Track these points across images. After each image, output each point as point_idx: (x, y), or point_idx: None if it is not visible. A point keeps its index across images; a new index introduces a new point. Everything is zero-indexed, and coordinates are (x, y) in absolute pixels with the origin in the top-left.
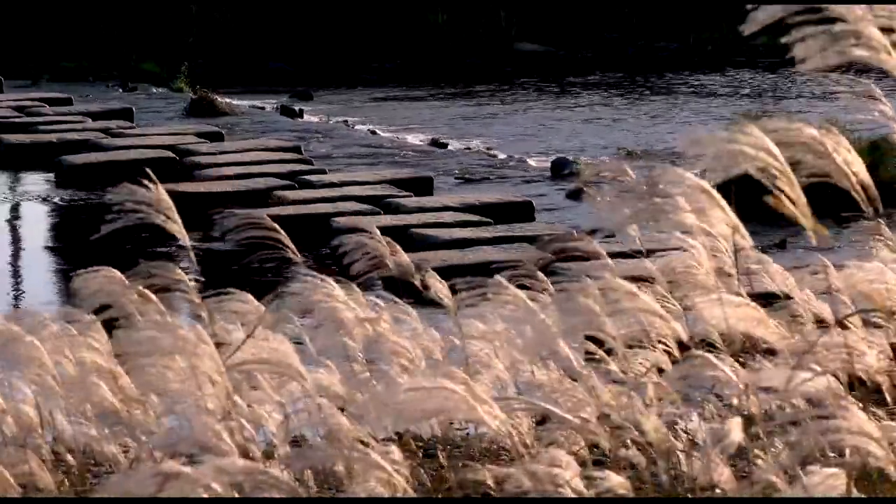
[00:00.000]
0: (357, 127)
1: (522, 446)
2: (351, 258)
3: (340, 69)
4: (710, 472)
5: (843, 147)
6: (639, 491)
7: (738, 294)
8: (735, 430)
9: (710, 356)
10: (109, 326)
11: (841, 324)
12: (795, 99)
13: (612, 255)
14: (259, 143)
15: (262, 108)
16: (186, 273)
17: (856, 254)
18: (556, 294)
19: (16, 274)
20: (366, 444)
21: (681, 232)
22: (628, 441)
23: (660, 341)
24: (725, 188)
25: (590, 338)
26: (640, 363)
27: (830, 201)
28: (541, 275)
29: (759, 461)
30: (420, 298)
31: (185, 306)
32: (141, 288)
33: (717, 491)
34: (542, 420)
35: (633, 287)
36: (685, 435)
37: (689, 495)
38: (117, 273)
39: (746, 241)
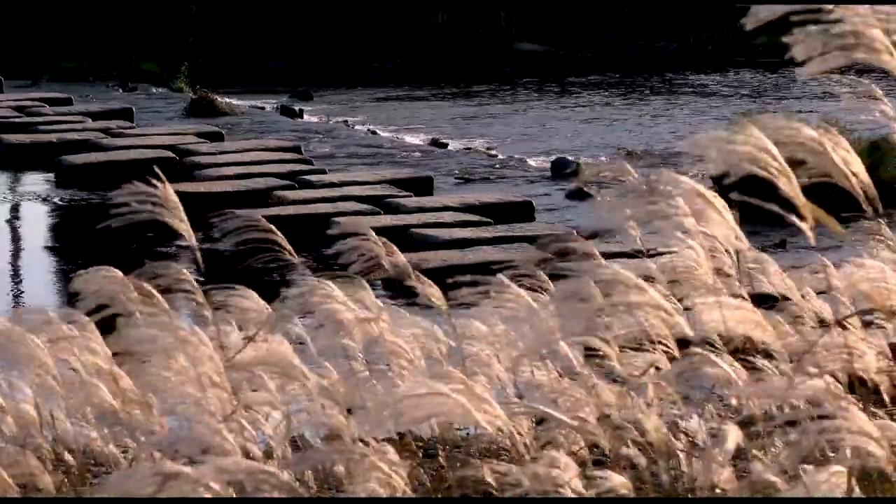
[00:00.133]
0: (357, 127)
1: (522, 447)
2: (348, 259)
3: (340, 69)
4: (710, 472)
5: (842, 147)
6: (639, 491)
7: (738, 296)
8: (732, 434)
9: (710, 355)
10: (110, 326)
11: (840, 324)
12: (796, 99)
13: (613, 256)
14: (259, 143)
15: (262, 108)
16: (189, 273)
17: (856, 254)
18: (555, 293)
19: (16, 274)
20: (366, 444)
21: (680, 233)
22: (629, 441)
23: (660, 341)
24: (727, 187)
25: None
26: (640, 362)
27: (830, 202)
28: (541, 274)
29: (759, 461)
30: (420, 299)
31: (187, 306)
32: (144, 286)
33: (718, 491)
34: (542, 420)
35: (640, 280)
36: (685, 435)
37: (690, 495)
38: (118, 272)
39: (744, 243)
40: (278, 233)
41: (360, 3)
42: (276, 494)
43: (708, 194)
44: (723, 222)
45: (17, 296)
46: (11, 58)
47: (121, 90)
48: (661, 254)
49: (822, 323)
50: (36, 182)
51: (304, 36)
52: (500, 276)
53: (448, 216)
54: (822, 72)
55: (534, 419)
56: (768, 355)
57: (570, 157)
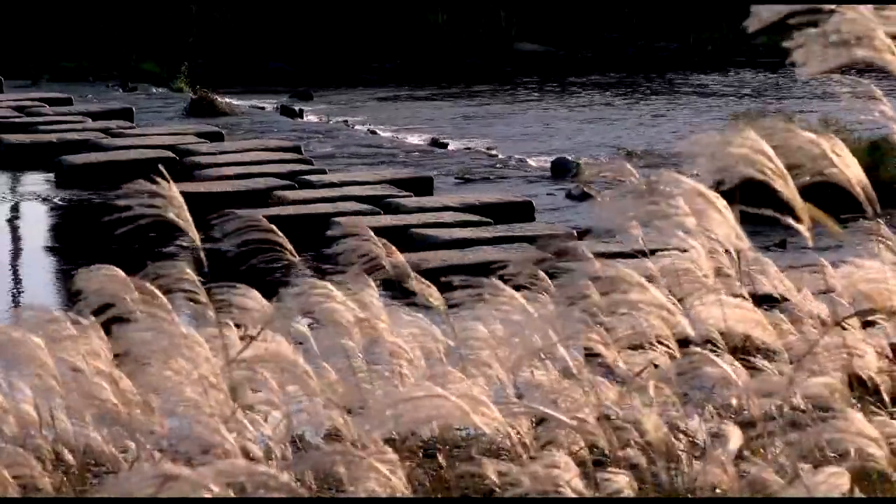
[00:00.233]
0: (357, 127)
1: (521, 447)
2: (348, 259)
3: (340, 69)
4: (710, 472)
5: (841, 148)
6: (639, 491)
7: (738, 295)
8: (735, 436)
9: (710, 355)
10: (110, 326)
11: (840, 324)
12: (796, 99)
13: (613, 256)
14: (259, 143)
15: (262, 108)
16: (191, 273)
17: (856, 253)
18: (555, 293)
19: (15, 274)
20: (364, 447)
21: (682, 233)
22: (629, 441)
23: (660, 341)
24: (727, 188)
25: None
26: (640, 361)
27: (830, 202)
28: (541, 273)
29: (760, 462)
30: (419, 298)
31: (188, 305)
32: (146, 285)
33: (718, 491)
34: (542, 420)
35: (641, 279)
36: (685, 434)
37: (690, 495)
38: (119, 271)
39: (744, 242)
40: (279, 233)
41: (360, 3)
42: (275, 496)
43: (709, 194)
44: (724, 222)
45: (16, 296)
46: (11, 58)
47: (121, 90)
48: (661, 250)
49: (823, 323)
50: (36, 182)
51: (304, 36)
52: (492, 278)
53: (448, 216)
54: (822, 72)
55: (533, 420)
56: (768, 356)
57: (570, 157)
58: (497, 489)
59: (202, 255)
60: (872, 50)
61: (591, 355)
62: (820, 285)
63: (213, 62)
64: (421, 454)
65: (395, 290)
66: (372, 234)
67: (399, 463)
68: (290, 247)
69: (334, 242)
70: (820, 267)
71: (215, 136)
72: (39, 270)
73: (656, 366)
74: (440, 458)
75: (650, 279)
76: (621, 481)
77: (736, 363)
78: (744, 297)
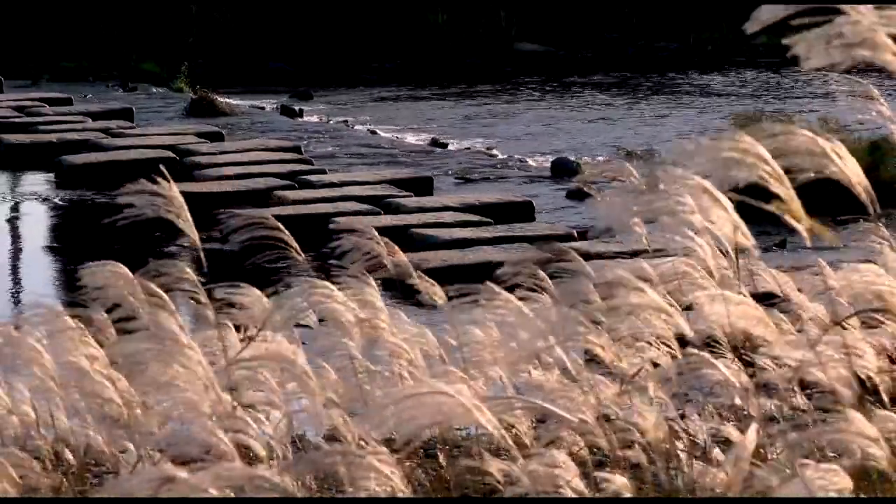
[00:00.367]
0: (357, 127)
1: (521, 447)
2: (349, 259)
3: (340, 69)
4: (712, 476)
5: (840, 148)
6: (639, 491)
7: (739, 293)
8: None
9: (710, 356)
10: (112, 322)
11: (840, 324)
12: (796, 99)
13: (613, 256)
14: (259, 143)
15: (262, 108)
16: (191, 272)
17: (856, 254)
18: (556, 294)
19: (15, 274)
20: (366, 444)
21: (683, 230)
22: (629, 441)
23: (661, 341)
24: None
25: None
26: (640, 362)
27: (830, 202)
28: (541, 273)
29: (759, 462)
30: (421, 298)
31: (189, 304)
32: (149, 284)
33: (717, 491)
34: (542, 420)
35: (640, 283)
36: (686, 434)
37: (689, 495)
38: (123, 268)
39: (749, 241)
40: (284, 231)
41: (360, 3)
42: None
43: (714, 191)
44: (729, 219)
45: (16, 296)
46: (11, 58)
47: (121, 90)
48: (663, 250)
49: (823, 324)
50: (36, 182)
51: (304, 36)
52: (488, 283)
53: (448, 216)
54: (823, 66)
55: (533, 420)
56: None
57: (570, 157)
58: (498, 486)
59: (202, 254)
60: (873, 50)
61: (591, 356)
62: (819, 286)
63: (213, 62)
64: (421, 454)
65: (396, 289)
66: (375, 232)
67: (398, 463)
68: (295, 245)
69: (335, 236)
70: (819, 268)
71: (215, 136)
72: (39, 270)
73: (656, 365)
74: (440, 457)
75: (651, 280)
76: (618, 481)
77: (737, 362)
78: (745, 295)
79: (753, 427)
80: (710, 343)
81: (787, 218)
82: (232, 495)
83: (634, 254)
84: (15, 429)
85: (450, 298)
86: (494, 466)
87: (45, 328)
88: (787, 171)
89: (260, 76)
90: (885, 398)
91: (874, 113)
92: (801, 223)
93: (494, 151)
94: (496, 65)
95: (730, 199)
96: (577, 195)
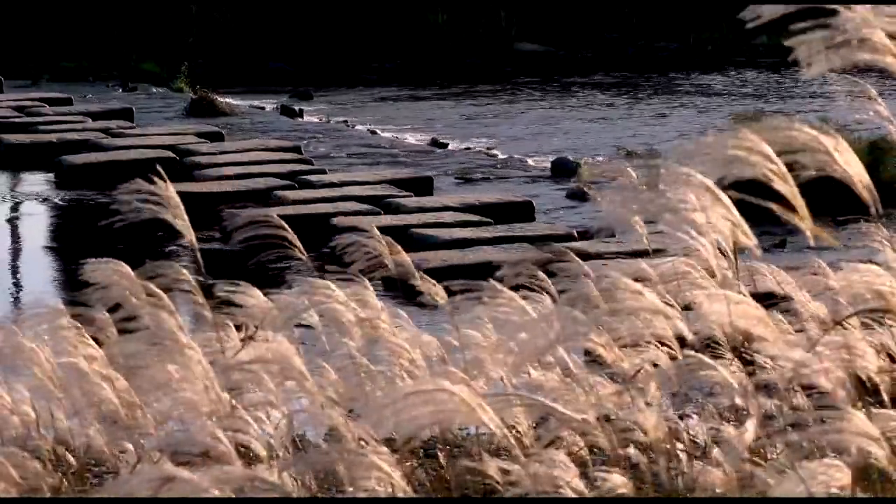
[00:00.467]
0: (357, 127)
1: (521, 447)
2: (350, 259)
3: (340, 69)
4: (709, 473)
5: (841, 148)
6: (639, 491)
7: (739, 293)
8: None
9: (708, 358)
10: (113, 319)
11: (840, 323)
12: (796, 99)
13: (613, 255)
14: (259, 143)
15: (262, 108)
16: (189, 272)
17: (856, 254)
18: (556, 294)
19: (15, 274)
20: (366, 443)
21: (684, 229)
22: (629, 441)
23: (661, 341)
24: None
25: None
26: (640, 362)
27: (830, 201)
28: (542, 274)
29: (759, 461)
30: (422, 298)
31: (188, 304)
32: (148, 285)
33: (718, 491)
34: (543, 419)
35: (638, 286)
36: (686, 433)
37: (689, 495)
38: (125, 266)
39: (751, 240)
40: (287, 230)
41: (360, 3)
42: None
43: (717, 190)
44: (728, 216)
45: (16, 295)
46: (11, 58)
47: (121, 90)
48: (663, 249)
49: (823, 323)
50: (36, 182)
51: (304, 36)
52: (491, 281)
53: (448, 216)
54: (824, 72)
55: (532, 422)
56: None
57: (570, 157)
58: (498, 486)
59: (203, 254)
60: (873, 53)
61: (591, 357)
62: (819, 286)
63: (213, 62)
64: (421, 453)
65: (398, 289)
66: (377, 231)
67: (398, 462)
68: (298, 244)
69: (337, 233)
70: (818, 268)
71: (215, 136)
72: (39, 270)
73: (656, 365)
74: (440, 457)
75: (651, 280)
76: (617, 480)
77: (737, 362)
78: (745, 295)
79: (750, 422)
80: (710, 343)
81: (790, 217)
82: (232, 495)
83: (634, 254)
84: (15, 429)
85: (451, 294)
86: (494, 466)
87: (45, 328)
88: (790, 169)
89: (260, 76)
90: (886, 398)
91: (871, 112)
92: (804, 223)
93: (494, 151)
94: (496, 65)
95: (730, 197)
96: (577, 195)
